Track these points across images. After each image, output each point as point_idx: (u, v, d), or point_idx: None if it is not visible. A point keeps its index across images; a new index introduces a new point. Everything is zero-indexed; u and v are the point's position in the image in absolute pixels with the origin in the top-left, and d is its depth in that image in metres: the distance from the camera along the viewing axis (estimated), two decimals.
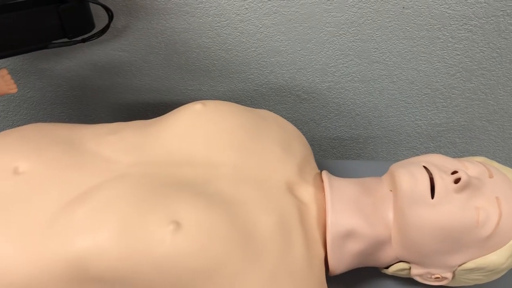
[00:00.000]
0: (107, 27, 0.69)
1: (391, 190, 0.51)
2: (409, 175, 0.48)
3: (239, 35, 0.76)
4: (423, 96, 0.85)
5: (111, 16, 0.68)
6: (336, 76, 0.82)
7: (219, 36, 0.76)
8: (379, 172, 0.73)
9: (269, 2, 0.71)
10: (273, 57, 0.79)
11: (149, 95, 0.86)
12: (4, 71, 0.57)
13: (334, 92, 0.85)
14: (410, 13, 0.71)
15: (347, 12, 0.72)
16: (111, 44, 0.78)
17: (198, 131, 0.51)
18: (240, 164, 0.49)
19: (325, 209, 0.50)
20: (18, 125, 0.93)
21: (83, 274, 0.44)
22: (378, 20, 0.73)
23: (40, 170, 0.50)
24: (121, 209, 0.44)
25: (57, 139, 0.55)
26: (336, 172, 0.73)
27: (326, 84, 0.83)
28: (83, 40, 0.70)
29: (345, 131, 0.93)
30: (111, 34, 0.76)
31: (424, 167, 0.50)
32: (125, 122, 0.57)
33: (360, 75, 0.81)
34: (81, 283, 0.45)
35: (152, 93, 0.86)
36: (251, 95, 0.86)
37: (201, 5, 0.72)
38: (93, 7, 0.71)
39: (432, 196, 0.48)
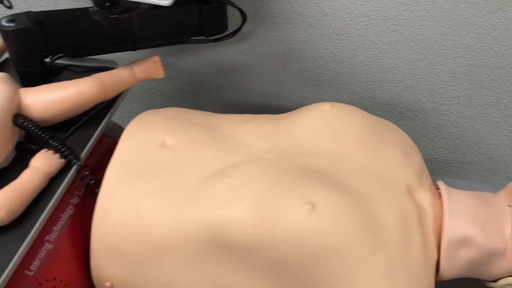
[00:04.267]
0: (238, 29, 0.76)
1: (509, 206, 0.53)
2: None
3: (354, 49, 0.80)
4: None
5: (244, 20, 0.75)
6: (443, 97, 0.84)
7: (335, 48, 0.81)
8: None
9: (390, 21, 0.75)
10: (383, 73, 0.83)
11: (259, 98, 0.92)
12: (157, 58, 0.64)
13: (438, 114, 0.87)
14: None
15: (464, 36, 0.74)
16: (234, 46, 0.85)
17: (327, 128, 0.56)
18: (365, 162, 0.53)
19: (441, 215, 0.53)
20: (136, 112, 1.02)
21: (219, 240, 0.50)
22: (495, 47, 0.75)
23: (184, 146, 0.57)
24: (259, 186, 0.50)
25: (196, 122, 0.61)
26: None
27: (431, 105, 0.85)
28: (215, 40, 0.77)
29: (442, 153, 0.94)
30: (236, 37, 0.83)
31: None
32: (256, 115, 0.63)
33: (467, 99, 0.83)
34: (216, 248, 0.50)
35: (262, 96, 0.92)
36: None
37: (324, 18, 0.77)
38: (228, 10, 0.78)
39: None
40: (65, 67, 0.71)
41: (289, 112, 0.62)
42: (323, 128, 0.56)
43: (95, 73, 0.62)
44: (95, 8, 0.50)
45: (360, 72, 0.84)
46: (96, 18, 0.51)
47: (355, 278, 0.46)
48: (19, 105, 0.56)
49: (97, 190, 0.57)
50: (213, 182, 0.52)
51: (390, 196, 0.50)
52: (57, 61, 0.71)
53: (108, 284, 0.54)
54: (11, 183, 0.50)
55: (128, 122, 0.65)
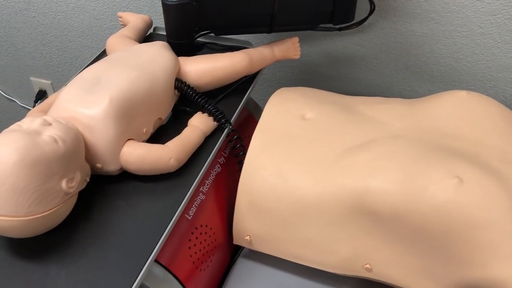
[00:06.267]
0: (365, 19, 0.80)
1: None
2: None
3: (474, 47, 0.82)
4: None
5: (372, 10, 0.78)
6: None
7: (455, 45, 0.83)
8: None
9: None
10: (501, 73, 0.83)
11: (368, 89, 0.96)
12: (296, 39, 0.69)
13: None
14: None
15: None
16: (351, 37, 0.89)
17: (465, 114, 0.58)
18: (505, 148, 0.55)
19: None
20: None
21: (361, 206, 0.53)
22: None
23: (323, 119, 0.61)
24: (404, 158, 0.53)
25: (330, 100, 0.66)
26: None
27: None
28: (340, 29, 0.81)
29: None
30: (356, 29, 0.87)
31: None
32: (386, 98, 0.66)
33: None
34: (357, 213, 0.54)
35: (371, 88, 0.95)
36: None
37: (448, 14, 0.79)
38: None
39: None
40: (204, 44, 0.77)
41: (422, 98, 0.65)
42: (461, 113, 0.59)
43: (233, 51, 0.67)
44: None
45: (476, 70, 0.85)
46: None
47: (497, 250, 0.48)
48: (179, 71, 0.63)
49: (241, 153, 0.62)
50: (355, 153, 0.56)
51: None
52: (197, 39, 0.78)
53: (247, 237, 0.60)
54: (176, 137, 0.56)
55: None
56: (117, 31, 1.09)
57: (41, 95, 1.29)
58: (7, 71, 1.31)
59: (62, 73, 1.24)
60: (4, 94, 1.36)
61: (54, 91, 1.29)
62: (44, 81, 1.27)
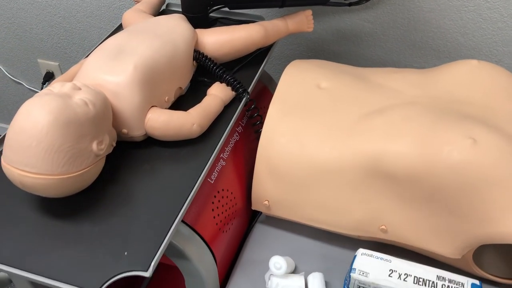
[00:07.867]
0: None
1: None
2: None
3: (481, 21, 0.84)
4: None
5: None
6: None
7: (461, 20, 0.85)
8: None
9: None
10: (506, 47, 0.85)
11: (374, 66, 0.97)
12: (309, 12, 0.71)
13: None
14: None
15: None
16: (360, 14, 0.90)
17: (476, 81, 0.60)
18: None
19: None
20: None
21: (377, 170, 0.55)
22: None
23: (338, 88, 0.63)
24: (418, 123, 0.55)
25: (344, 71, 0.68)
26: None
27: None
28: (350, 4, 0.83)
29: None
30: (364, 5, 0.88)
31: None
32: (399, 68, 0.68)
33: None
34: (372, 176, 0.56)
35: (379, 64, 0.97)
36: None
37: None
38: None
39: None
40: (217, 19, 0.79)
41: (434, 67, 0.67)
42: (472, 80, 0.61)
43: None
44: None
45: (482, 45, 0.87)
46: None
47: (510, 207, 0.50)
48: (196, 43, 0.64)
49: (258, 122, 0.64)
50: (371, 118, 0.58)
51: None
52: (211, 14, 0.80)
53: (266, 202, 0.62)
54: (197, 105, 0.58)
55: None
56: (125, 11, 1.10)
57: (49, 77, 1.30)
58: (14, 53, 1.31)
59: (70, 55, 1.25)
60: (11, 77, 1.37)
61: (62, 73, 1.31)
62: (52, 63, 1.28)
